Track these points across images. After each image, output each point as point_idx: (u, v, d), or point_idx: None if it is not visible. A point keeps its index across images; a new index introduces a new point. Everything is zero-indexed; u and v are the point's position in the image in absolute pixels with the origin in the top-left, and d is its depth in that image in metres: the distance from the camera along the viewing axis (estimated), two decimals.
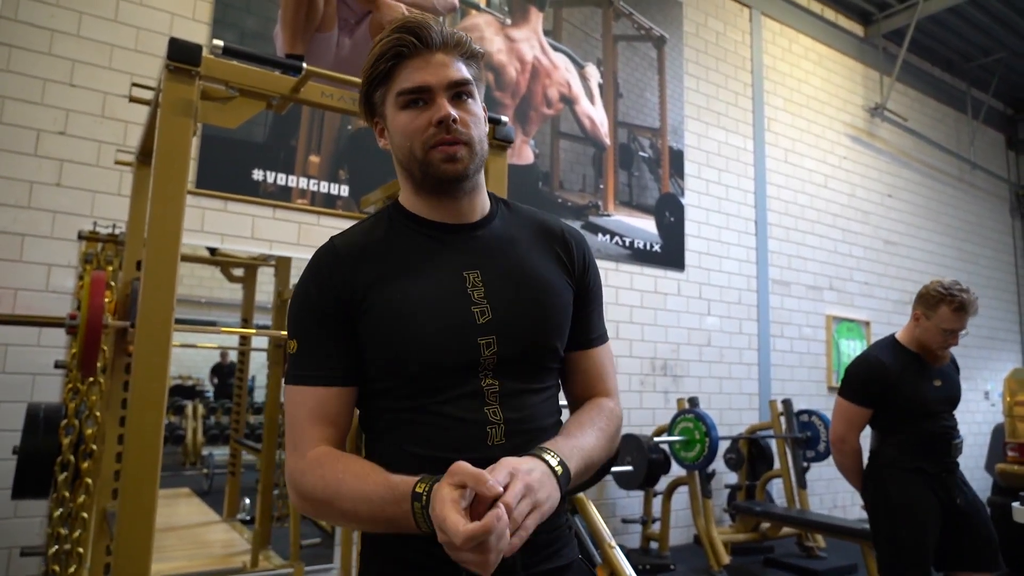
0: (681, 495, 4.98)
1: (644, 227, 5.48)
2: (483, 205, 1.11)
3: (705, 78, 6.10)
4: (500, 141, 1.96)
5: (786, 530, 4.76)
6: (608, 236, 5.26)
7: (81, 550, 2.51)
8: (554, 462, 0.92)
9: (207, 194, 3.65)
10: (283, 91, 1.78)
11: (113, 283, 2.44)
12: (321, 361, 1.01)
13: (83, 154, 3.44)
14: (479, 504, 0.81)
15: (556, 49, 5.22)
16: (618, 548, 2.73)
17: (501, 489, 0.81)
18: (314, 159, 4.07)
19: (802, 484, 5.07)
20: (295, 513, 3.40)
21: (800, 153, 6.77)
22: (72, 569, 2.61)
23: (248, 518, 3.86)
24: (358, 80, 1.94)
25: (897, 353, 2.58)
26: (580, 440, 1.00)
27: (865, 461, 2.66)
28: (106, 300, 2.13)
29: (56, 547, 2.68)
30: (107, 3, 3.58)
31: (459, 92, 1.03)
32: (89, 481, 2.48)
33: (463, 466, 0.82)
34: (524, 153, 4.97)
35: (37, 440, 2.42)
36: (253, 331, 4.06)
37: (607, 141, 5.41)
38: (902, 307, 7.42)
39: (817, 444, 5.06)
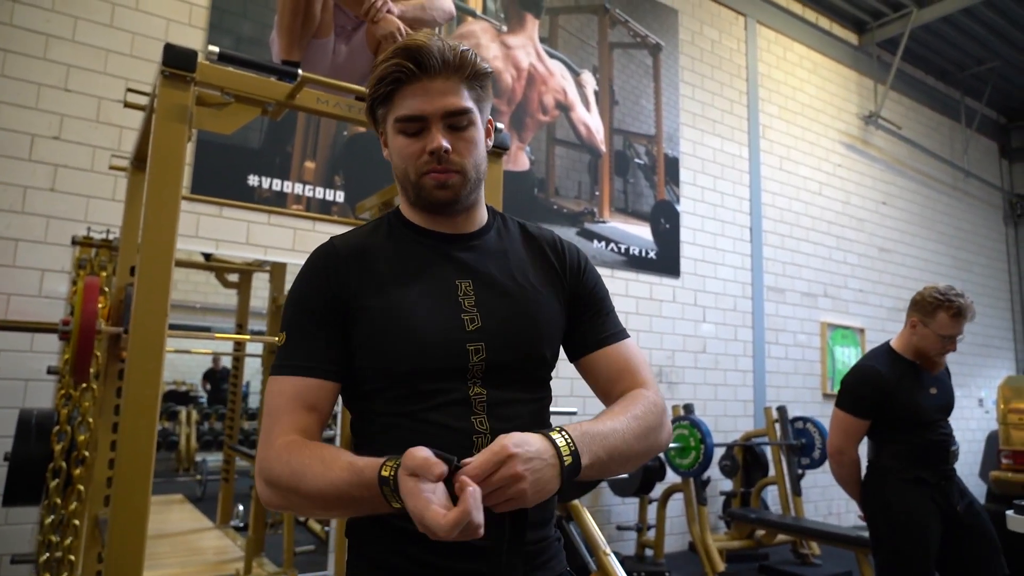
0: (676, 502, 4.97)
1: (639, 234, 5.49)
2: (480, 218, 1.13)
3: (700, 86, 6.13)
4: (496, 148, 1.97)
5: (781, 537, 4.76)
6: (603, 243, 5.27)
7: (73, 557, 2.49)
8: (564, 449, 0.88)
9: (202, 199, 3.64)
10: (278, 97, 1.78)
11: (107, 289, 2.43)
12: (307, 353, 1.01)
13: (77, 159, 3.43)
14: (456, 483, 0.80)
15: (552, 56, 5.24)
16: (613, 555, 2.73)
17: (443, 469, 0.80)
18: (309, 165, 4.07)
19: (797, 491, 5.07)
20: (289, 520, 3.39)
21: (795, 160, 6.80)
22: None
23: (242, 525, 3.84)
24: (353, 87, 1.95)
25: (893, 362, 2.55)
26: (606, 426, 0.96)
27: (863, 471, 2.64)
28: (99, 306, 2.12)
29: (47, 554, 2.66)
30: (103, 8, 3.58)
31: (457, 123, 1.03)
32: (81, 488, 2.46)
33: (412, 454, 0.81)
34: (520, 160, 4.98)
35: (29, 446, 2.40)
36: (248, 337, 4.05)
37: (603, 148, 5.42)
38: (896, 314, 7.44)
39: (812, 451, 5.06)
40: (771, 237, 6.43)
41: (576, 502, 3.15)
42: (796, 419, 5.22)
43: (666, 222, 5.67)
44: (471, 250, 1.09)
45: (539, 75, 5.14)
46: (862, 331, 7.07)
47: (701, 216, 5.94)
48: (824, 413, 6.27)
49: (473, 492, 0.78)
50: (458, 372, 1.00)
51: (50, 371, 2.75)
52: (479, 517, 0.77)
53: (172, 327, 1.54)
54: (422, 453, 0.80)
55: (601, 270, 5.48)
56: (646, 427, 1.01)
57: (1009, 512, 2.91)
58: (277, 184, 3.93)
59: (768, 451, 5.29)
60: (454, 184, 1.03)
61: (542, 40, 5.20)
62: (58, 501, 2.49)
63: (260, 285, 4.01)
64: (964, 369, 8.03)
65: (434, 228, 1.09)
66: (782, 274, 6.47)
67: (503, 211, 1.24)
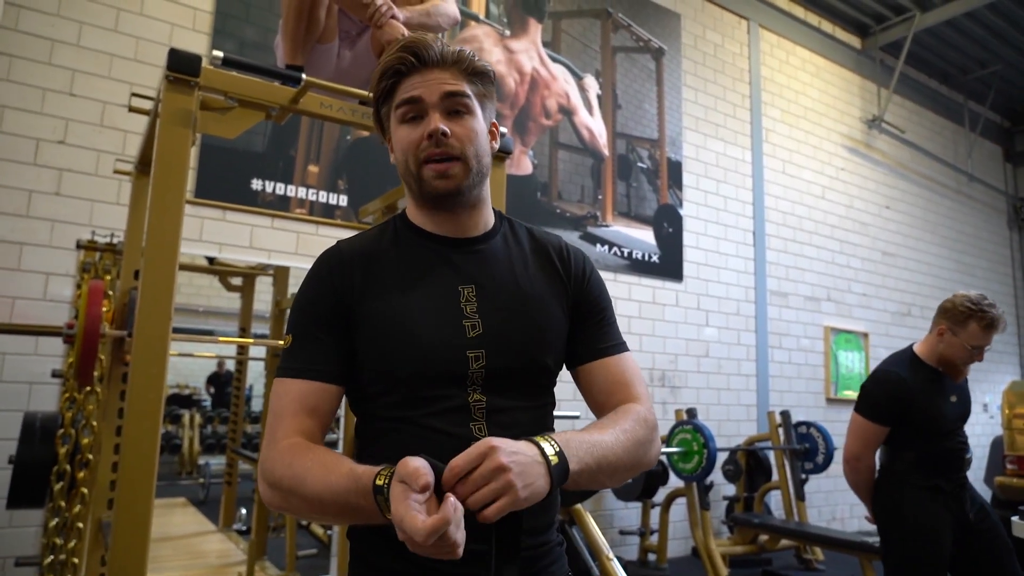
0: (679, 507, 4.96)
1: (642, 238, 5.49)
2: (486, 220, 1.12)
3: (703, 89, 6.13)
4: (499, 152, 1.97)
5: (784, 542, 4.75)
6: (606, 247, 5.27)
7: (76, 560, 2.50)
8: (550, 450, 0.87)
9: (206, 203, 3.65)
10: (282, 102, 1.78)
11: (111, 292, 2.44)
12: (312, 357, 1.01)
13: (82, 163, 3.44)
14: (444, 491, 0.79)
15: (555, 60, 5.25)
16: (616, 560, 2.73)
17: (429, 480, 0.78)
18: (313, 169, 4.08)
19: (800, 496, 5.05)
20: (292, 524, 3.39)
21: (798, 164, 6.80)
22: None
23: (244, 528, 3.85)
24: (357, 91, 1.95)
25: (917, 368, 2.48)
26: (593, 436, 0.95)
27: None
28: (104, 309, 2.13)
29: (51, 557, 2.66)
30: (107, 13, 3.60)
31: (455, 107, 1.04)
32: (85, 491, 2.47)
33: (405, 462, 0.80)
34: (523, 164, 4.98)
35: (33, 449, 2.41)
36: (251, 341, 4.06)
37: (605, 152, 5.42)
38: (900, 318, 7.43)
39: (815, 456, 5.05)
40: (774, 241, 6.43)
41: (579, 506, 3.15)
42: (799, 424, 5.21)
43: (669, 226, 5.67)
44: (476, 255, 1.09)
45: (542, 79, 5.15)
46: (866, 335, 7.06)
47: (704, 220, 5.94)
48: (828, 418, 6.26)
49: (454, 503, 0.77)
50: (457, 378, 1.00)
51: (54, 374, 2.76)
52: (457, 534, 0.76)
53: (176, 331, 1.54)
54: (414, 463, 0.79)
55: (604, 274, 5.46)
56: (635, 441, 1.00)
57: (1015, 518, 2.89)
58: (280, 188, 3.94)
59: (771, 456, 5.27)
60: (455, 174, 1.03)
61: (545, 44, 5.21)
62: (62, 504, 2.50)
63: (263, 289, 4.02)
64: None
65: (439, 231, 1.09)
66: (785, 278, 6.46)
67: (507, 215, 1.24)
